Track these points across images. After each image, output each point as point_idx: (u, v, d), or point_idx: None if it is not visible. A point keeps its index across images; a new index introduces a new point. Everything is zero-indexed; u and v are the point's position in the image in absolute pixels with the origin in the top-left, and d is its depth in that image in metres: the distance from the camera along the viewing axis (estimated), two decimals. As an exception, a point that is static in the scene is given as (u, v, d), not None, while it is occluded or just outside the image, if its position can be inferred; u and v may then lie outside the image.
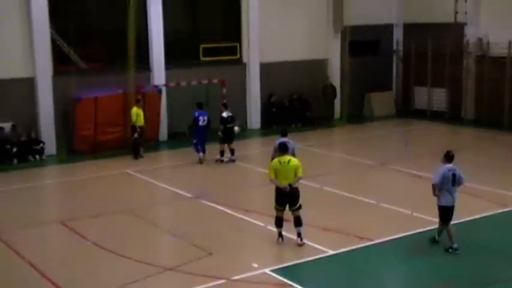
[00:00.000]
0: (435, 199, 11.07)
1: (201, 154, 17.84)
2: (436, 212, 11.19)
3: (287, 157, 11.31)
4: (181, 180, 16.45)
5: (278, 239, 11.48)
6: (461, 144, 20.57)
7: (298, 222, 11.30)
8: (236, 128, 17.73)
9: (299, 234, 11.32)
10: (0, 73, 18.29)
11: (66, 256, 11.54)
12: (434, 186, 10.88)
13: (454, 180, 10.89)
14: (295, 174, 11.14)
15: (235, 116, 18.22)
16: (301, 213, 11.29)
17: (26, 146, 18.42)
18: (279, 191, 11.24)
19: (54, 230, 12.88)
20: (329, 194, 14.68)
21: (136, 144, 18.53)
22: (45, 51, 18.81)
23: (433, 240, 11.38)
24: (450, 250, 11.02)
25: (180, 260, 10.84)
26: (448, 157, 11.02)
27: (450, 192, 10.89)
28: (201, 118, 17.70)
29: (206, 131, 17.85)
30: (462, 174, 11.07)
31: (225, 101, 18.93)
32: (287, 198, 11.23)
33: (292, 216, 11.36)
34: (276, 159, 11.44)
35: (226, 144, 17.86)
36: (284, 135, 13.79)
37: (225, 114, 17.80)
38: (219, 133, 17.78)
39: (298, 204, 11.25)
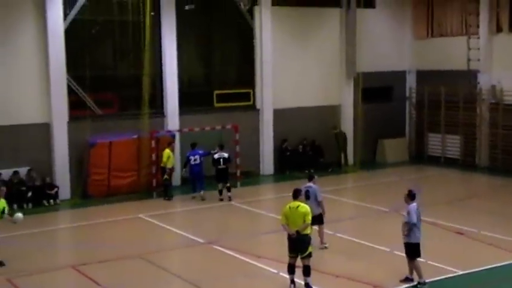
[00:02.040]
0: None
1: (198, 193, 18.85)
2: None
3: (297, 203, 11.23)
4: (193, 225, 16.40)
5: (290, 286, 11.29)
6: (475, 191, 20.42)
7: (305, 271, 11.09)
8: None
9: (306, 285, 11.08)
10: (17, 118, 18.61)
11: (76, 301, 11.46)
12: (409, 225, 11.27)
13: (420, 218, 11.52)
14: (304, 221, 11.00)
15: (231, 158, 19.14)
16: (313, 260, 11.12)
17: (41, 190, 18.54)
18: (289, 237, 11.18)
19: (66, 274, 12.83)
20: (342, 240, 14.52)
21: (168, 185, 19.06)
22: (62, 97, 19.12)
23: (405, 279, 11.58)
24: (419, 286, 11.37)
25: (191, 306, 10.72)
26: (412, 195, 11.53)
27: (419, 228, 11.43)
28: (191, 158, 18.92)
29: (200, 169, 18.84)
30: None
31: (221, 143, 19.19)
32: (295, 244, 11.09)
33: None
34: (287, 205, 11.39)
35: (221, 184, 18.62)
36: (310, 179, 13.88)
37: (216, 156, 18.64)
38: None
39: (307, 252, 11.04)
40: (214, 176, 18.86)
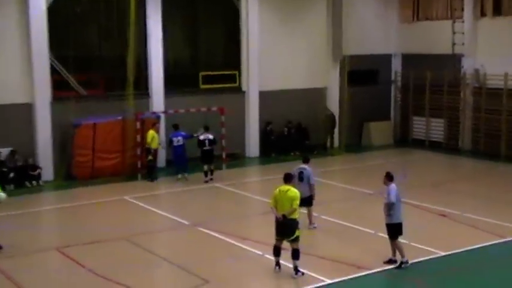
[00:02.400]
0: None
1: (182, 175, 18.93)
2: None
3: (287, 187, 11.19)
4: (178, 207, 16.39)
5: (275, 268, 11.37)
6: (458, 174, 20.67)
7: (294, 255, 11.12)
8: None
9: (295, 268, 11.15)
10: (-1, 99, 18.38)
11: (61, 283, 11.41)
12: (389, 205, 11.42)
13: (399, 198, 11.69)
14: (291, 205, 10.98)
15: (216, 139, 19.08)
16: (299, 242, 11.16)
17: (23, 171, 18.36)
18: (276, 220, 11.20)
19: (50, 256, 12.77)
20: (327, 222, 14.60)
21: (152, 167, 18.94)
22: (44, 77, 18.89)
23: (389, 261, 11.66)
24: (403, 265, 11.50)
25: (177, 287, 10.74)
26: (390, 177, 11.72)
27: (399, 208, 11.61)
28: (174, 139, 19.00)
29: (182, 151, 18.85)
30: None
31: (206, 125, 19.13)
32: (281, 228, 11.09)
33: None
34: (277, 188, 11.35)
35: (207, 165, 18.66)
36: (305, 161, 14.11)
37: (201, 137, 18.63)
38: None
39: (293, 236, 11.03)
40: (200, 157, 18.86)
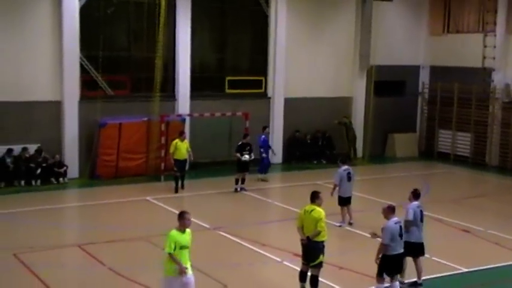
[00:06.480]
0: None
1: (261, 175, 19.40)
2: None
3: (312, 206, 10.42)
4: (200, 211, 16.38)
5: None
6: (484, 191, 20.33)
7: (312, 282, 10.38)
8: None
9: None
10: (28, 96, 18.67)
11: (82, 280, 11.56)
12: (405, 223, 10.99)
13: (422, 217, 11.29)
14: (316, 227, 10.25)
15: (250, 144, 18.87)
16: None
17: (50, 168, 18.62)
18: (301, 242, 10.50)
19: (72, 253, 12.93)
20: (347, 232, 14.52)
21: (175, 177, 18.02)
22: (74, 76, 19.16)
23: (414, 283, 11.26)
24: (419, 281, 11.20)
25: (194, 290, 10.74)
26: (417, 195, 11.49)
27: (419, 228, 11.21)
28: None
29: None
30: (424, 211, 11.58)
31: (246, 132, 19.29)
32: (305, 251, 10.45)
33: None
34: (303, 208, 10.65)
35: (242, 173, 18.42)
36: (345, 162, 15.12)
37: (240, 143, 18.60)
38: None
39: (317, 261, 10.30)
40: (238, 164, 18.40)
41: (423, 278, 11.51)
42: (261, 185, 19.52)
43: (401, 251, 10.46)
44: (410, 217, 11.05)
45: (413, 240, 11.10)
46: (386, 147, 25.35)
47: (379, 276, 10.44)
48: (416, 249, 11.09)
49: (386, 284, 10.47)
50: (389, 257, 10.30)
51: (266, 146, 20.06)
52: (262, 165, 19.95)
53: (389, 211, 10.48)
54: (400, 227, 10.46)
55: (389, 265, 10.34)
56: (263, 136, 20.03)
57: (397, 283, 10.45)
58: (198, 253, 13.11)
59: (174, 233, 9.23)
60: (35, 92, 18.77)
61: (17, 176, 18.15)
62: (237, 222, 15.20)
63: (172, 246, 9.08)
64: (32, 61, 18.72)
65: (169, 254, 9.12)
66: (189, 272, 9.22)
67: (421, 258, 11.31)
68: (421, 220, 11.27)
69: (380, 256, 10.33)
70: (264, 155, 19.83)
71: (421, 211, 11.31)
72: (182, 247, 9.15)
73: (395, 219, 10.44)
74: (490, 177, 22.38)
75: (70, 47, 18.89)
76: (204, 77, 21.73)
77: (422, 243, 11.28)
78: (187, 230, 9.35)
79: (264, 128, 20.42)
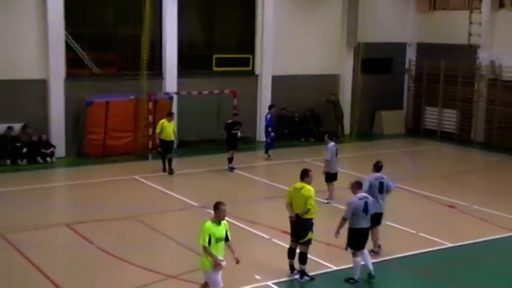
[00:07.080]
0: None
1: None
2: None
3: (302, 184, 10.41)
4: (188, 189, 16.47)
5: (289, 271, 10.69)
6: (469, 167, 20.56)
7: (301, 259, 10.46)
8: None
9: (301, 272, 10.51)
10: (13, 74, 18.45)
11: (70, 259, 11.59)
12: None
13: (382, 188, 11.52)
14: (305, 205, 10.25)
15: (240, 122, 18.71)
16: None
17: (36, 147, 18.52)
18: (290, 220, 10.54)
19: (60, 232, 12.92)
20: (336, 209, 14.62)
21: (163, 158, 17.86)
22: (59, 54, 18.96)
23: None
24: (375, 250, 11.48)
25: (184, 268, 10.84)
26: (377, 167, 11.76)
27: (377, 199, 11.32)
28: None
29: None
30: (391, 182, 11.75)
31: (235, 112, 19.20)
32: (294, 228, 10.47)
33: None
34: (293, 185, 10.60)
35: (232, 151, 18.30)
36: (331, 138, 15.18)
37: (229, 121, 18.39)
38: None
39: (305, 238, 10.36)
40: (226, 141, 18.39)
41: (409, 253, 11.71)
42: (250, 162, 19.56)
43: (366, 226, 10.58)
44: (365, 188, 11.17)
45: (374, 210, 11.13)
46: (373, 124, 25.47)
47: (350, 250, 10.61)
48: (372, 219, 10.98)
49: (362, 263, 10.60)
50: (353, 230, 10.52)
51: (272, 124, 20.05)
52: (270, 143, 20.01)
53: (356, 186, 10.72)
54: (366, 202, 10.52)
55: (353, 238, 10.51)
56: (269, 115, 20.05)
57: (359, 259, 10.53)
58: (187, 231, 13.22)
59: (209, 224, 8.84)
60: (19, 70, 18.55)
61: (2, 155, 18.04)
62: (226, 200, 14.92)
63: (207, 239, 8.69)
64: (17, 39, 18.47)
65: (204, 247, 8.73)
66: (224, 264, 8.87)
67: (378, 227, 11.53)
68: (381, 191, 11.50)
69: (339, 230, 10.52)
70: (272, 134, 19.93)
71: (381, 182, 11.54)
72: (218, 239, 8.77)
73: (360, 195, 10.62)
74: (475, 153, 22.61)
75: (55, 25, 18.66)
76: (192, 55, 21.61)
77: (381, 213, 11.48)
78: (223, 221, 8.98)
79: (271, 106, 20.49)
